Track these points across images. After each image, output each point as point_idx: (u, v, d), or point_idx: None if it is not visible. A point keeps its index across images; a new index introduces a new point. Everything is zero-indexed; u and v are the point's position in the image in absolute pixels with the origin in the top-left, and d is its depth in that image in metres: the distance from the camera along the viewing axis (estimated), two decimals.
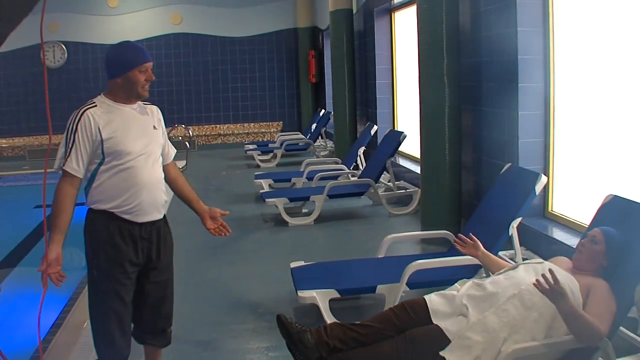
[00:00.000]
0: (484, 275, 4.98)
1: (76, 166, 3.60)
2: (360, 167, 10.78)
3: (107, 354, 3.81)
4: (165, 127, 4.06)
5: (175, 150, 4.20)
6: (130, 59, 3.70)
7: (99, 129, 3.59)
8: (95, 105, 3.66)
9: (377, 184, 9.27)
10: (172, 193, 4.15)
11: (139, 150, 3.71)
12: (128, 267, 3.74)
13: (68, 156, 3.59)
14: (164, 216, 3.98)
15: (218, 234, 4.28)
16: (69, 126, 3.61)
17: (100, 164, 3.66)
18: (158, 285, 3.95)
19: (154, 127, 3.88)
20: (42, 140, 17.06)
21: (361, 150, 11.00)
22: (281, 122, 18.79)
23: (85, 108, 3.64)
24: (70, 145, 3.59)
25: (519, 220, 5.41)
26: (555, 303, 3.52)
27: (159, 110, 4.04)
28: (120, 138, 3.64)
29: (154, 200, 3.80)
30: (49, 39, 17.34)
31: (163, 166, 4.00)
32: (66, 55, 17.44)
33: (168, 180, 4.08)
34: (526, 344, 3.54)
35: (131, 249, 3.74)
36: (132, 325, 4.01)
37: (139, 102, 3.85)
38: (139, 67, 3.69)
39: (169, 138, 4.14)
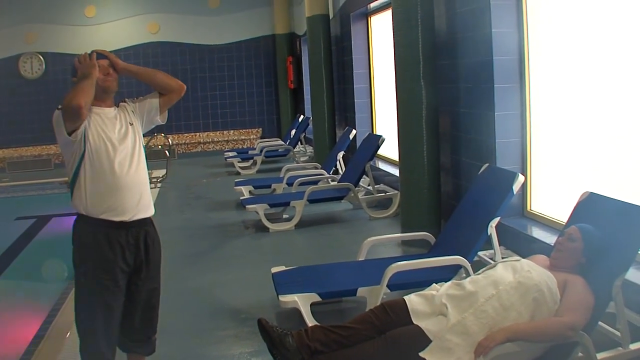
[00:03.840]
0: (464, 275, 5.01)
1: None
2: (340, 171, 10.80)
3: None
4: (145, 136, 4.03)
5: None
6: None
7: (88, 118, 3.65)
8: None
9: (357, 188, 9.28)
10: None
11: (121, 151, 3.71)
12: (118, 273, 3.70)
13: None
14: (152, 221, 3.93)
15: None
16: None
17: (80, 161, 3.65)
18: (147, 293, 3.90)
19: (130, 123, 3.88)
20: (21, 152, 16.94)
21: (340, 154, 11.03)
22: (260, 129, 18.76)
23: None
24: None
25: (497, 219, 5.46)
26: (506, 342, 3.56)
27: (127, 100, 4.05)
28: (104, 135, 3.67)
29: (136, 200, 3.76)
30: (27, 50, 17.23)
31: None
32: (44, 66, 17.32)
33: None
34: (505, 344, 3.56)
35: (119, 256, 3.69)
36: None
37: (114, 105, 3.89)
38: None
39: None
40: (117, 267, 3.69)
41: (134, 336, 3.98)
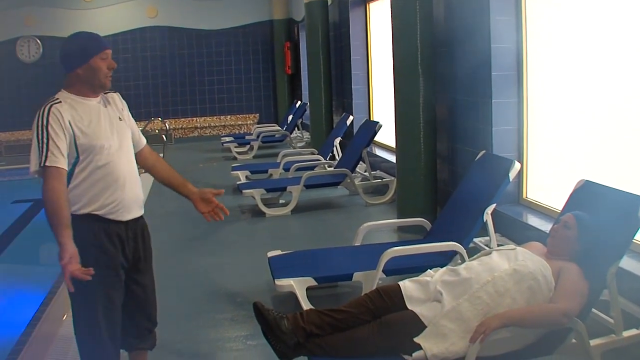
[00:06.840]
0: (459, 261, 5.03)
1: (60, 157, 3.33)
2: (337, 157, 10.81)
3: None
4: (142, 120, 3.92)
5: (145, 139, 4.01)
6: (90, 47, 3.50)
7: (69, 123, 3.39)
8: (60, 102, 3.44)
9: (353, 174, 9.31)
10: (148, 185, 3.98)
11: (113, 144, 3.54)
12: (119, 268, 3.58)
13: (47, 152, 3.30)
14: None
15: (213, 218, 3.95)
16: (39, 122, 3.35)
17: (75, 164, 3.45)
18: (144, 287, 3.81)
19: (119, 118, 3.69)
20: (18, 136, 16.89)
21: (337, 140, 11.02)
22: (257, 114, 18.74)
23: (52, 103, 3.42)
24: (45, 140, 3.32)
25: (493, 206, 5.48)
26: (501, 327, 3.56)
27: (120, 96, 3.86)
28: (93, 133, 3.46)
29: (135, 196, 3.65)
30: (24, 34, 17.17)
31: (139, 153, 3.88)
32: (41, 49, 17.25)
33: (148, 166, 3.93)
34: (499, 330, 3.58)
35: (119, 251, 3.57)
36: None
37: (101, 94, 3.66)
38: (100, 54, 3.50)
39: (146, 131, 4.01)
40: (117, 261, 3.57)
41: (135, 332, 3.86)
